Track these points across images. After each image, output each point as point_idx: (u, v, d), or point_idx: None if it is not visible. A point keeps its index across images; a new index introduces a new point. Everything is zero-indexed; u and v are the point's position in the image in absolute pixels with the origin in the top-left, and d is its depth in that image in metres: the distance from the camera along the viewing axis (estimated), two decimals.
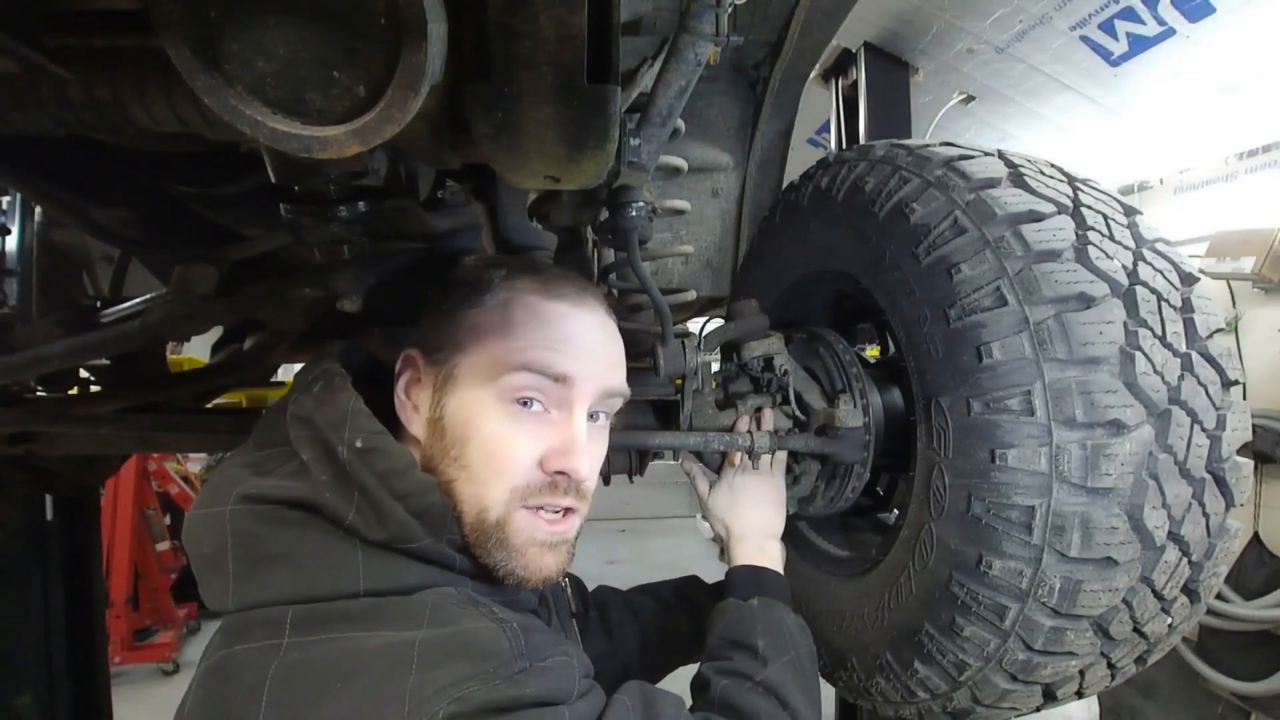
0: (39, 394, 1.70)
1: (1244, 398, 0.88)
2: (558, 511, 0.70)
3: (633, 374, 1.08)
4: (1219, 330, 0.87)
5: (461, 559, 0.68)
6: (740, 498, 1.05)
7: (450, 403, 0.69)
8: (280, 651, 0.57)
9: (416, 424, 0.72)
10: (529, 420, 0.69)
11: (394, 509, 0.62)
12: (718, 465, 1.13)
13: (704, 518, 1.10)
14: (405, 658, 0.56)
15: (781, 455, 1.09)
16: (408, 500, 0.63)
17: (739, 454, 1.07)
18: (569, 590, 0.93)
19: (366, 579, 0.62)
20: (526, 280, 0.73)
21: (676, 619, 1.08)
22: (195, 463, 5.76)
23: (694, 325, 1.34)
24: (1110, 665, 0.88)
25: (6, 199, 1.59)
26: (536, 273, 0.75)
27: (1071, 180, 0.95)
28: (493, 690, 0.56)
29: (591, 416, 0.74)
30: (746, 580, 0.96)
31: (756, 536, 1.02)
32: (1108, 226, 0.88)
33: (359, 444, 0.63)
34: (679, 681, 0.88)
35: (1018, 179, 0.91)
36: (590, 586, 1.13)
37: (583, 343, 0.71)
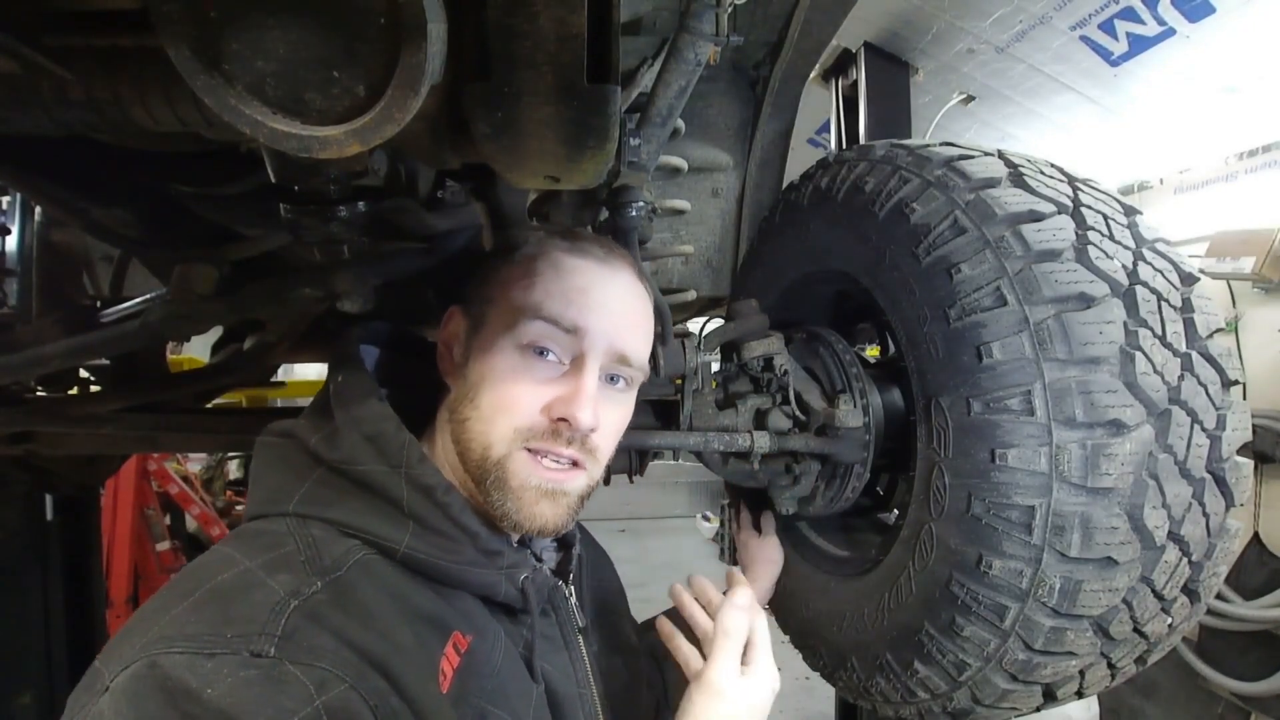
0: (39, 394, 1.70)
1: (1244, 398, 0.88)
2: (560, 461, 0.70)
3: None
4: (1219, 330, 0.87)
5: (414, 496, 0.66)
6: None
7: (475, 349, 0.72)
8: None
9: (451, 374, 0.75)
10: (540, 368, 0.70)
11: (348, 432, 0.68)
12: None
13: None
14: (189, 590, 0.56)
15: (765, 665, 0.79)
16: (361, 425, 0.68)
17: (731, 643, 0.78)
18: (573, 599, 0.83)
19: (300, 502, 0.65)
20: (557, 239, 0.76)
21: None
22: (195, 463, 5.76)
23: (694, 325, 1.34)
24: (1110, 665, 0.88)
25: (6, 199, 1.59)
26: (569, 234, 0.77)
27: (1071, 180, 0.95)
28: (188, 664, 0.50)
29: (611, 380, 0.75)
30: None
31: None
32: (1108, 226, 0.88)
33: (339, 379, 0.73)
34: None
35: (1018, 179, 0.91)
36: None
37: (598, 297, 0.72)
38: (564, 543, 0.88)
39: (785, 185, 1.33)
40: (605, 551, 1.03)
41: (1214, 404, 0.83)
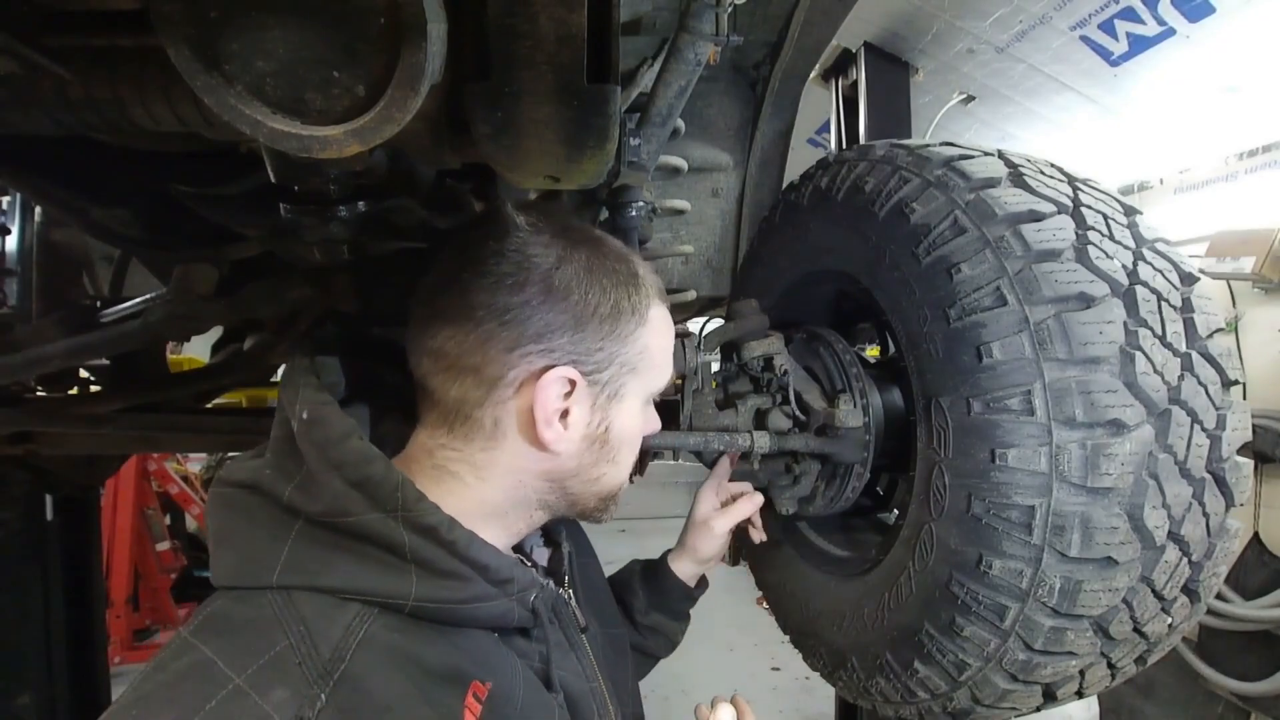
0: (39, 394, 1.70)
1: (1244, 398, 0.88)
2: None
3: None
4: (1219, 330, 0.87)
5: (416, 540, 0.60)
6: None
7: (618, 419, 0.73)
8: (166, 648, 0.57)
9: (564, 442, 0.68)
10: None
11: (329, 479, 0.60)
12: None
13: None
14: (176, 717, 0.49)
15: None
16: (343, 469, 0.59)
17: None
18: (573, 602, 0.83)
19: (284, 569, 0.58)
20: (656, 285, 0.78)
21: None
22: (195, 463, 5.76)
23: (694, 325, 1.34)
24: (1110, 665, 0.88)
25: (6, 199, 1.59)
26: (654, 275, 0.79)
27: (1071, 180, 0.95)
28: None
29: None
30: None
31: None
32: (1108, 226, 0.88)
33: (305, 415, 0.63)
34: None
35: (1018, 179, 0.91)
36: None
37: None
38: (551, 540, 0.88)
39: (785, 185, 1.34)
40: (582, 529, 1.02)
41: (1214, 404, 0.83)
